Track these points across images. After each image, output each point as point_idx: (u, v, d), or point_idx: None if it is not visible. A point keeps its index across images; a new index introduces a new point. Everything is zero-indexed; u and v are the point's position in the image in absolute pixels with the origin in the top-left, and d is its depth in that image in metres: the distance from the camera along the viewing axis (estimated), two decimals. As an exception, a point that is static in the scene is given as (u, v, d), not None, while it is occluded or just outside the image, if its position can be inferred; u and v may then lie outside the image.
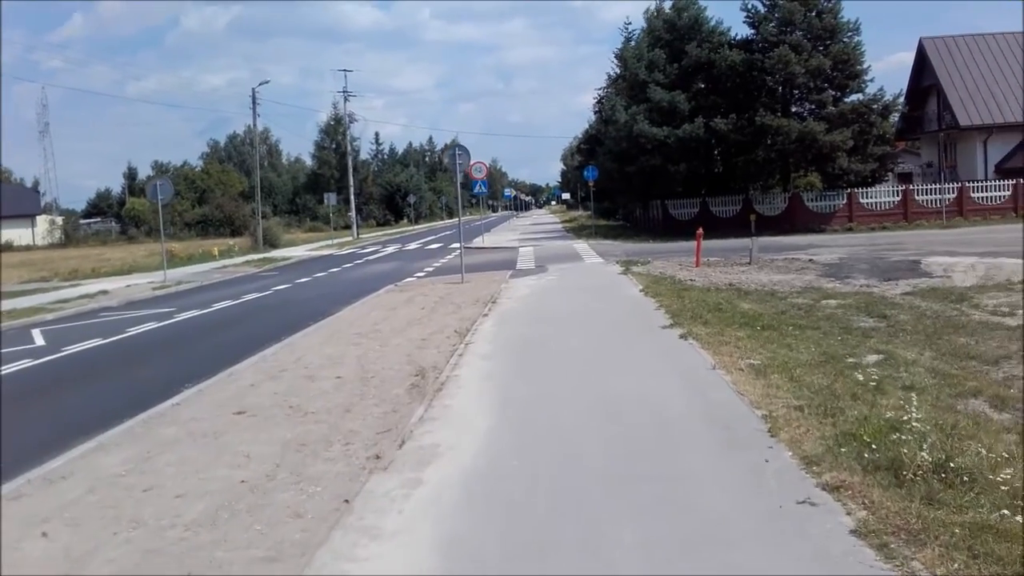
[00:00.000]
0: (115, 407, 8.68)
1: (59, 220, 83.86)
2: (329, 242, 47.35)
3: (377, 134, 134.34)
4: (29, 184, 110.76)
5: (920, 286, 14.82)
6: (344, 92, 60.54)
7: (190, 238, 73.66)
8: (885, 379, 7.52)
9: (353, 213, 57.03)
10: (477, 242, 39.90)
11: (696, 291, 15.11)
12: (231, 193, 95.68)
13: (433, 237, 51.05)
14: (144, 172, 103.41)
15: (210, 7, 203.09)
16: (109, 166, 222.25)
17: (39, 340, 14.81)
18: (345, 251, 41.66)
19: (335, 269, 28.99)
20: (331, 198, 46.34)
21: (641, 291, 15.53)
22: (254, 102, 43.80)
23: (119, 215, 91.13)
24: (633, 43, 40.33)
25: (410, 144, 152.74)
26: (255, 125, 44.59)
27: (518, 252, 31.64)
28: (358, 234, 58.46)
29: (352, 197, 57.70)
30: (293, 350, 11.41)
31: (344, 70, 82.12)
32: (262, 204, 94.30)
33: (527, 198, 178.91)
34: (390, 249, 40.83)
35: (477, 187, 38.06)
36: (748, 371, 8.17)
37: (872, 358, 8.69)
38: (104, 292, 22.45)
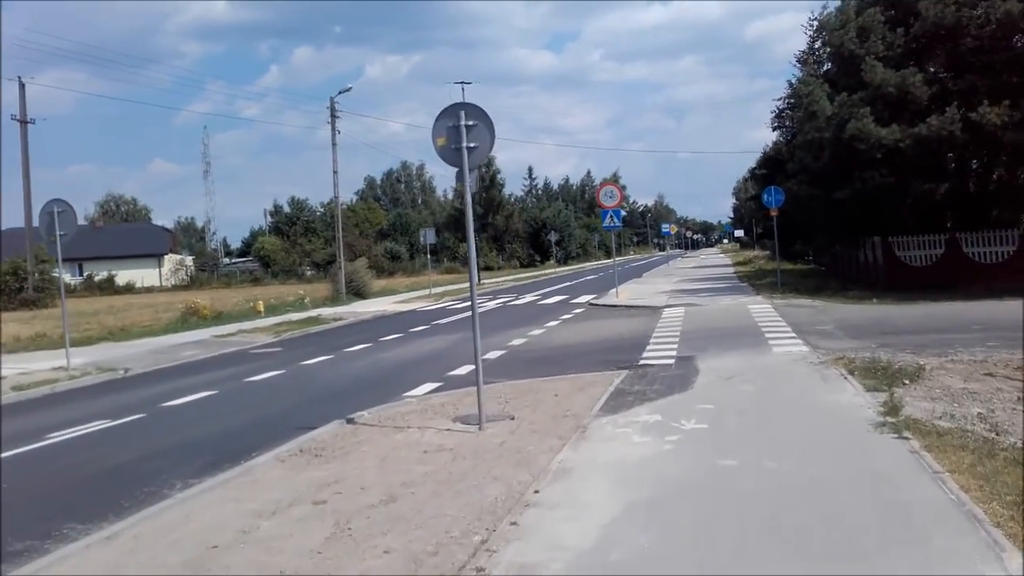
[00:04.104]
0: None
1: (189, 260, 79.44)
2: (429, 291, 37.37)
3: (531, 168, 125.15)
4: (200, 223, 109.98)
5: None
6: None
7: (319, 280, 67.04)
8: None
9: (471, 254, 46.71)
10: (609, 296, 28.43)
11: None
12: (372, 231, 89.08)
13: (564, 285, 39.97)
14: (287, 210, 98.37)
15: (392, 57, 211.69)
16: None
17: None
18: (438, 304, 31.50)
19: (364, 346, 18.67)
20: (428, 235, 36.19)
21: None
22: (332, 114, 34.63)
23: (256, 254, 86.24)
24: (835, 12, 27.70)
25: (566, 179, 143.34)
26: (334, 139, 35.16)
27: (659, 318, 20.14)
28: (479, 279, 48.38)
29: (470, 234, 47.51)
30: None
31: (461, 82, 64.57)
32: (398, 243, 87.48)
33: (694, 236, 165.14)
34: (493, 304, 30.15)
35: (607, 218, 26.90)
36: None
37: None
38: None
